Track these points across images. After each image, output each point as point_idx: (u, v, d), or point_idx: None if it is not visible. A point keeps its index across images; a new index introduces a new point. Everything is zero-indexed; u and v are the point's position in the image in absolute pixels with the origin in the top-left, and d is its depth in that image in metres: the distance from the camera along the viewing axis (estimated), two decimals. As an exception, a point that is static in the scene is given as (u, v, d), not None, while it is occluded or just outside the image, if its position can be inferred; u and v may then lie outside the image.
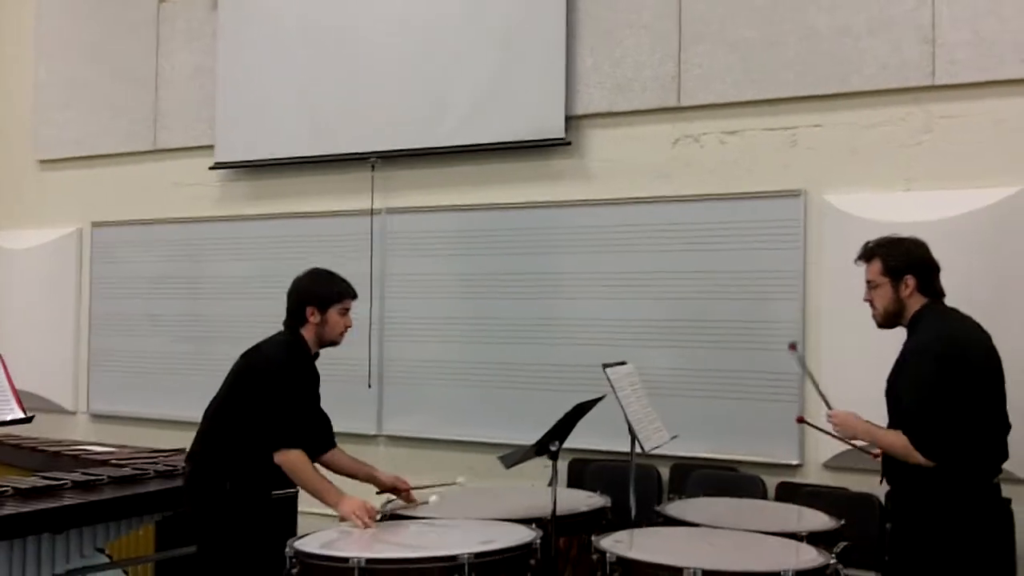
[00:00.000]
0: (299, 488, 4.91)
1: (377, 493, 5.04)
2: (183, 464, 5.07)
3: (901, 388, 4.43)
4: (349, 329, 4.95)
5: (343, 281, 4.94)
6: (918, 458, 4.28)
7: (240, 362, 4.86)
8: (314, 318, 4.81)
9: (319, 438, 5.01)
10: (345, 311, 4.89)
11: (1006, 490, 4.56)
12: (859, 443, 4.79)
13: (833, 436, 4.84)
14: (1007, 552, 5.20)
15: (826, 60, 6.10)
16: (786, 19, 6.22)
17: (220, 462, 4.73)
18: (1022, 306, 5.51)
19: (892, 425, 4.48)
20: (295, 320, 4.86)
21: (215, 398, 4.89)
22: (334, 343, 4.93)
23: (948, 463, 4.27)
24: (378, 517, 4.68)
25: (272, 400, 4.64)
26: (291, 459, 4.60)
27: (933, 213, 5.60)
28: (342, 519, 4.62)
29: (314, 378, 4.95)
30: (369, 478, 5.06)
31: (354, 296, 4.96)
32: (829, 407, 4.77)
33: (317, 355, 4.95)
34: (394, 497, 5.04)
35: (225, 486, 4.70)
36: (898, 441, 4.35)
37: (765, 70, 6.27)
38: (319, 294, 4.84)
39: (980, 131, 5.73)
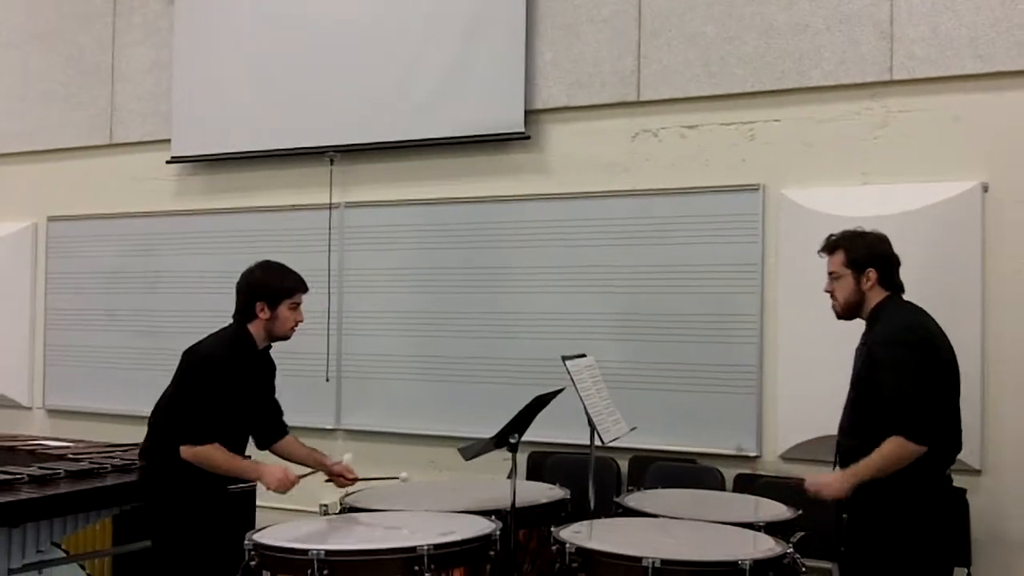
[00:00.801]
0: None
1: (326, 480, 5.01)
2: (138, 459, 4.99)
3: (880, 379, 4.35)
4: (300, 324, 4.86)
5: (294, 274, 4.83)
6: (912, 449, 4.20)
7: (184, 357, 4.76)
8: (264, 314, 4.74)
9: (269, 428, 5.02)
10: (296, 306, 4.79)
11: (961, 480, 4.63)
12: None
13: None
14: (961, 541, 5.30)
15: (784, 55, 6.08)
16: (744, 14, 6.19)
17: (173, 457, 4.63)
18: (975, 300, 5.55)
19: (860, 416, 4.45)
20: (244, 315, 4.77)
21: (164, 393, 4.82)
22: (284, 338, 4.85)
23: (936, 446, 4.24)
24: (338, 509, 4.72)
25: (194, 395, 4.59)
26: (197, 452, 4.57)
27: (890, 207, 5.58)
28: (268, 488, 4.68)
29: (261, 371, 4.91)
30: (318, 465, 5.03)
31: (305, 290, 4.86)
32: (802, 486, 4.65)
33: (269, 346, 4.88)
34: (353, 490, 5.02)
35: (179, 480, 4.64)
36: (886, 451, 4.25)
37: (723, 65, 6.24)
38: (270, 289, 4.74)
39: (937, 126, 5.72)
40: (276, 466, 4.72)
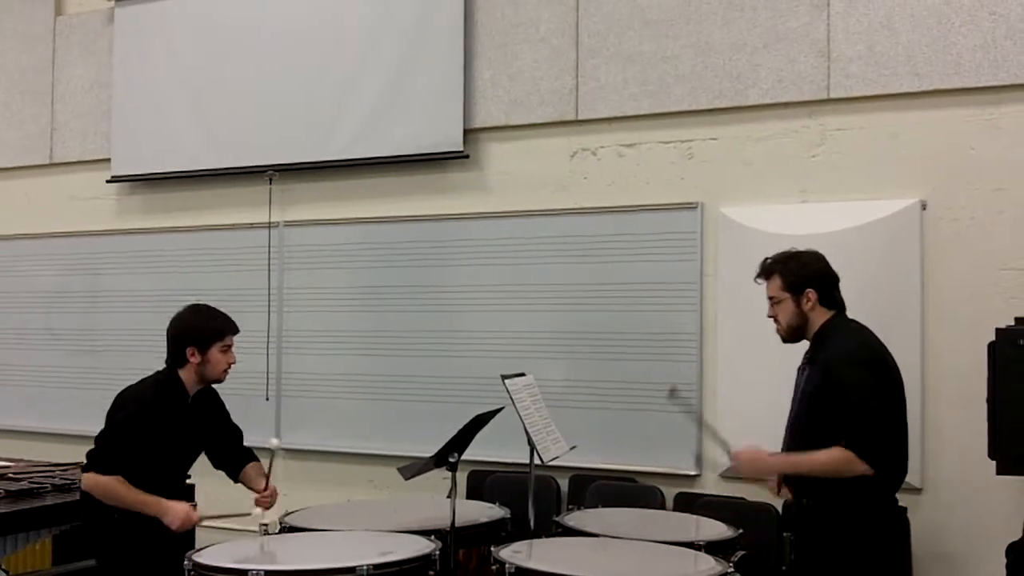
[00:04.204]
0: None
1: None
2: (79, 478, 4.74)
3: (842, 398, 4.11)
4: (232, 366, 4.63)
5: (223, 316, 4.63)
6: (859, 468, 4.00)
7: (115, 398, 4.56)
8: (195, 358, 4.52)
9: (233, 459, 4.84)
10: (227, 348, 4.59)
11: (901, 499, 4.39)
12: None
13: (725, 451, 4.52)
14: (902, 560, 5.11)
15: (721, 74, 5.87)
16: (682, 33, 5.97)
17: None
18: (914, 317, 5.36)
19: (808, 432, 4.23)
20: (175, 360, 4.56)
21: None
22: (217, 381, 4.65)
23: (884, 470, 4.05)
24: (276, 529, 4.56)
25: (111, 429, 4.41)
26: (97, 481, 4.35)
27: (828, 225, 5.39)
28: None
29: (194, 414, 4.66)
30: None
31: (235, 331, 4.64)
32: (729, 450, 4.47)
33: (202, 390, 4.67)
34: (293, 509, 4.81)
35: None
36: (833, 458, 4.05)
37: (661, 84, 6.02)
38: (199, 333, 4.54)
39: (874, 144, 5.53)
40: (181, 504, 4.46)
